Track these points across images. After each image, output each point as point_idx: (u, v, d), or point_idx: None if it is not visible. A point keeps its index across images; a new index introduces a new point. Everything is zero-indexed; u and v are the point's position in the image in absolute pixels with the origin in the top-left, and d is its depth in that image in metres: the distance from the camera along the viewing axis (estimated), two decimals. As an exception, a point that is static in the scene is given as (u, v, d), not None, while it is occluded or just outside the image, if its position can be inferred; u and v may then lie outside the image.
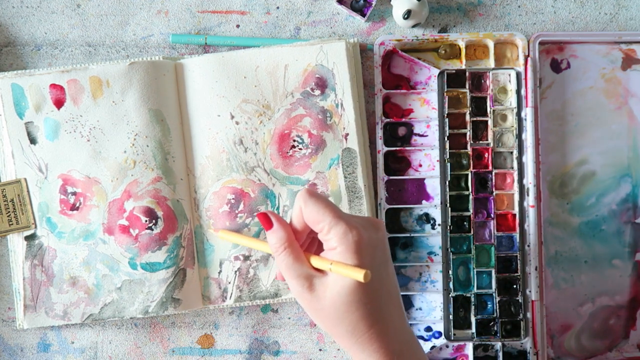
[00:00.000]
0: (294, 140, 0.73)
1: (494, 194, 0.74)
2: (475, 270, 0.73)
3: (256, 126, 0.73)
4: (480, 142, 0.74)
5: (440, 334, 0.74)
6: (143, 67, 0.71)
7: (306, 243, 0.63)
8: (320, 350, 0.75)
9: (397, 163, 0.75)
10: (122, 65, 0.71)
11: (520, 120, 0.74)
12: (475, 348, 0.74)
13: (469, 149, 0.74)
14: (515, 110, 0.74)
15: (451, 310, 0.73)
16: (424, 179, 0.74)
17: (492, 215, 0.74)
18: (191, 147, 0.73)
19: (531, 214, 0.73)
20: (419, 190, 0.75)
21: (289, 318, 0.75)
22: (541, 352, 0.73)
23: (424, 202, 0.75)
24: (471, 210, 0.74)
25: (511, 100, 0.74)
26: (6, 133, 0.72)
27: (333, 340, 0.75)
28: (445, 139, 0.74)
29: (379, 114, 0.73)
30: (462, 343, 0.74)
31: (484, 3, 0.75)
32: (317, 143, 0.73)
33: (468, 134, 0.74)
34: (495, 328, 0.73)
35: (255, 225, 0.72)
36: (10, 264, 0.73)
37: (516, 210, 0.74)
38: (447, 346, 0.74)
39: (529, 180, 0.73)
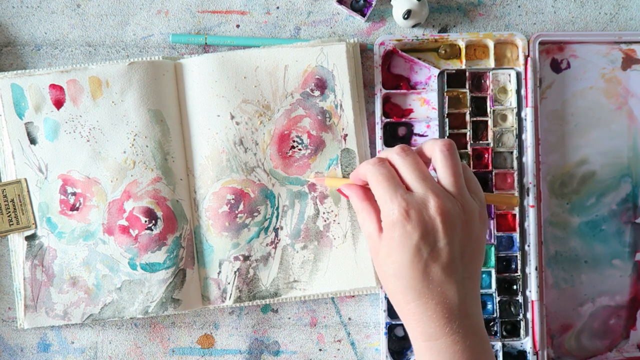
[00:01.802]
0: (294, 141, 0.73)
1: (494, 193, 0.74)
2: (475, 270, 0.74)
3: (256, 126, 0.73)
4: (480, 142, 0.74)
5: (440, 334, 0.74)
6: (142, 67, 0.71)
7: None
8: (320, 350, 0.75)
9: (397, 163, 0.75)
10: (121, 66, 0.71)
11: (520, 120, 0.74)
12: (475, 348, 0.74)
13: (469, 149, 0.74)
14: (515, 110, 0.74)
15: (451, 310, 0.73)
16: (423, 179, 0.74)
17: (492, 215, 0.74)
18: (191, 147, 0.73)
19: (531, 214, 0.73)
20: (419, 190, 0.74)
21: (289, 318, 0.75)
22: (541, 352, 0.73)
23: (423, 202, 0.74)
24: (471, 210, 0.73)
25: (511, 100, 0.74)
26: (6, 133, 0.72)
27: (333, 340, 0.75)
28: (445, 139, 0.74)
29: (379, 114, 0.73)
30: (462, 343, 0.74)
31: (484, 3, 0.75)
32: (317, 143, 0.73)
33: (468, 134, 0.74)
34: (495, 328, 0.73)
35: (255, 225, 0.73)
36: (10, 264, 0.73)
37: (516, 210, 0.74)
38: (447, 346, 0.74)
39: (529, 180, 0.73)
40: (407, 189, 0.61)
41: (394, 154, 0.63)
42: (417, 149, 0.65)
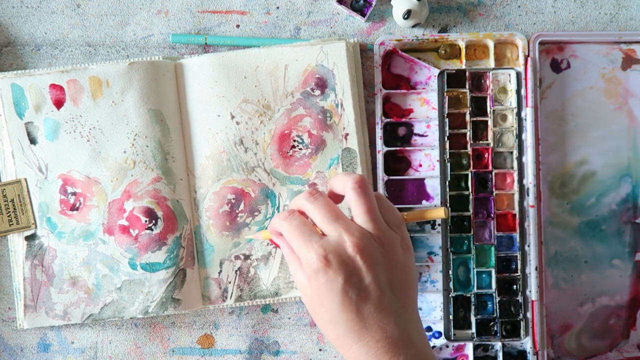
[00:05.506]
0: (294, 140, 0.73)
1: (494, 194, 0.74)
2: (475, 270, 0.74)
3: (256, 126, 0.73)
4: (480, 142, 0.74)
5: (440, 334, 0.74)
6: (143, 67, 0.71)
7: None
8: (320, 350, 0.75)
9: (397, 163, 0.75)
10: (121, 66, 0.71)
11: (520, 120, 0.74)
12: (475, 348, 0.74)
13: (469, 149, 0.74)
14: (515, 110, 0.74)
15: (451, 310, 0.73)
16: (424, 179, 0.74)
17: (492, 215, 0.74)
18: (191, 147, 0.73)
19: (531, 214, 0.73)
20: (419, 190, 0.75)
21: (289, 318, 0.75)
22: (541, 352, 0.73)
23: (424, 202, 0.74)
24: (471, 210, 0.74)
25: (511, 100, 0.74)
26: (6, 133, 0.72)
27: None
28: (445, 139, 0.74)
29: (379, 114, 0.73)
30: (462, 343, 0.74)
31: (484, 3, 0.75)
32: (317, 143, 0.73)
33: (468, 134, 0.74)
34: (495, 328, 0.73)
35: (256, 225, 0.73)
36: (10, 264, 0.73)
37: (516, 210, 0.74)
38: (447, 346, 0.74)
39: (529, 180, 0.73)
40: (323, 234, 0.60)
41: (303, 200, 0.62)
42: (329, 187, 0.64)
